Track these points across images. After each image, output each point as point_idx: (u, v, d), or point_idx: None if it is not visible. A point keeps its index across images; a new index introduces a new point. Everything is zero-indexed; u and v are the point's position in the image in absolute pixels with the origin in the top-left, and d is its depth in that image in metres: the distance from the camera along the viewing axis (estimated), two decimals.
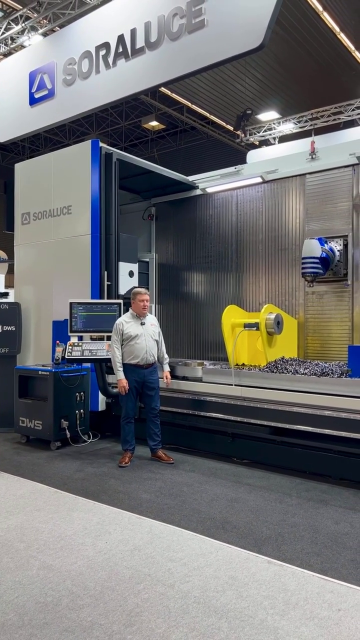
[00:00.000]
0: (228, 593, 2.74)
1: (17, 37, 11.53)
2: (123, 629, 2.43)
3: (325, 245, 5.97)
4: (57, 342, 6.08)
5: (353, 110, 13.73)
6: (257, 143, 16.21)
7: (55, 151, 7.11)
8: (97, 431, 6.23)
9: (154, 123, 16.61)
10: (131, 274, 6.67)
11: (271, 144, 15.48)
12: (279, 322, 5.68)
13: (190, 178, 7.52)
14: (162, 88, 13.40)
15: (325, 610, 2.58)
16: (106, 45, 6.57)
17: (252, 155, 12.44)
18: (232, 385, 5.23)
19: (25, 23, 11.15)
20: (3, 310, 6.90)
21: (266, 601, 2.66)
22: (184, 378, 5.71)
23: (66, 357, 5.67)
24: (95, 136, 17.70)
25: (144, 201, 8.15)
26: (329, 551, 3.25)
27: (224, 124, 16.50)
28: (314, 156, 6.37)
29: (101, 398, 6.15)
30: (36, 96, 7.60)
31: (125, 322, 5.19)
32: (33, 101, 7.66)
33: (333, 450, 4.58)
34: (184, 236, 7.72)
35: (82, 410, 5.87)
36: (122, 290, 6.40)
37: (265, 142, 16.03)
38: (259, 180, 6.75)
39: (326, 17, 10.89)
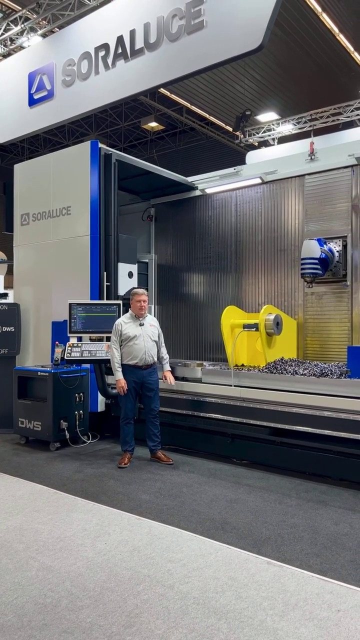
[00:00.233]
0: (227, 594, 2.74)
1: (17, 38, 11.54)
2: (122, 630, 2.43)
3: (325, 246, 5.97)
4: (57, 342, 6.08)
5: (352, 111, 13.74)
6: (256, 144, 16.22)
7: (54, 152, 7.11)
8: (97, 432, 6.23)
9: (153, 124, 16.62)
10: (130, 274, 6.67)
11: (270, 145, 15.49)
12: (278, 323, 5.68)
13: (190, 179, 7.52)
14: (162, 89, 13.40)
15: (324, 611, 2.58)
16: (105, 46, 6.58)
17: (252, 156, 12.46)
18: (231, 386, 5.23)
19: (25, 24, 11.15)
20: (2, 311, 6.89)
21: (266, 602, 2.66)
22: (184, 379, 5.71)
23: (65, 358, 5.67)
24: (95, 137, 17.71)
25: (143, 202, 8.15)
26: (328, 552, 3.25)
27: (223, 124, 16.51)
28: (313, 157, 6.38)
29: (100, 399, 6.15)
30: (35, 97, 7.61)
31: (124, 322, 5.19)
32: (32, 102, 7.67)
33: (332, 451, 4.58)
34: (183, 237, 7.72)
35: (81, 411, 5.87)
36: (122, 291, 6.40)
37: (264, 143, 16.05)
38: (258, 181, 6.75)
39: (325, 18, 10.91)
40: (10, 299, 7.84)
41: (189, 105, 15.42)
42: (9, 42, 11.70)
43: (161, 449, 5.28)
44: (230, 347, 5.58)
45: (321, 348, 6.30)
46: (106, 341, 5.69)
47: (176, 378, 5.72)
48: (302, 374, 4.94)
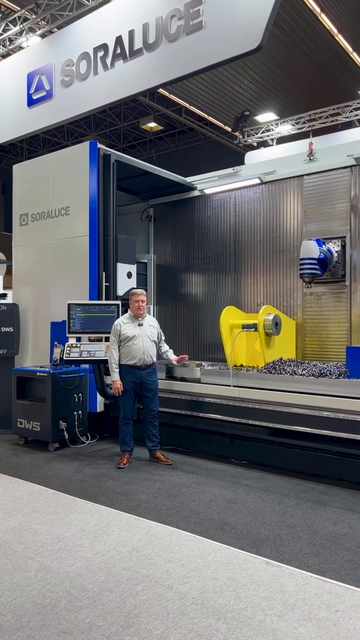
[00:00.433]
0: (226, 594, 2.74)
1: (15, 39, 11.53)
2: (121, 631, 2.43)
3: (323, 246, 5.98)
4: (55, 343, 6.07)
5: (351, 111, 13.75)
6: (255, 144, 16.22)
7: (53, 152, 7.10)
8: (96, 432, 6.23)
9: (152, 124, 16.61)
10: (129, 275, 6.67)
11: (269, 145, 15.49)
12: (277, 323, 5.69)
13: (189, 179, 7.52)
14: (161, 89, 13.41)
15: (323, 611, 2.58)
16: (104, 47, 6.58)
17: (250, 157, 12.46)
18: (230, 386, 5.23)
19: (24, 24, 11.14)
20: (1, 311, 6.89)
21: (264, 602, 2.66)
22: (182, 379, 5.71)
23: (64, 358, 5.67)
24: (94, 137, 17.70)
25: (142, 202, 8.15)
26: (327, 552, 3.25)
27: (222, 125, 16.52)
28: (311, 157, 6.39)
29: (99, 399, 6.15)
30: (34, 97, 7.60)
31: (123, 323, 5.19)
32: (31, 102, 7.66)
33: (331, 451, 4.58)
34: (182, 237, 7.72)
35: (80, 412, 5.87)
36: (121, 292, 6.40)
37: (263, 144, 16.05)
38: (257, 181, 6.76)
39: (324, 18, 10.91)
40: (9, 299, 7.84)
41: (187, 105, 15.42)
42: (8, 43, 11.70)
43: (160, 449, 5.28)
44: (229, 348, 5.58)
45: (320, 348, 6.31)
46: (105, 341, 5.69)
47: (175, 378, 5.73)
48: (301, 374, 4.94)
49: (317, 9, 10.62)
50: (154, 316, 7.32)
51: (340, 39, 11.67)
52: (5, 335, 6.85)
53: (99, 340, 5.82)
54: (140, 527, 3.62)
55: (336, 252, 6.05)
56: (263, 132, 15.53)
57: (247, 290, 7.01)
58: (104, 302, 6.02)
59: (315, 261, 5.80)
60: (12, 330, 6.88)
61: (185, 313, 7.70)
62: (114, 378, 5.10)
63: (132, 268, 6.77)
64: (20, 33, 11.38)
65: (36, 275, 6.97)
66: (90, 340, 5.86)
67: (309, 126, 14.39)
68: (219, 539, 3.43)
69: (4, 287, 10.28)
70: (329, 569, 3.02)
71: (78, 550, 3.28)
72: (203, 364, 6.19)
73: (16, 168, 7.40)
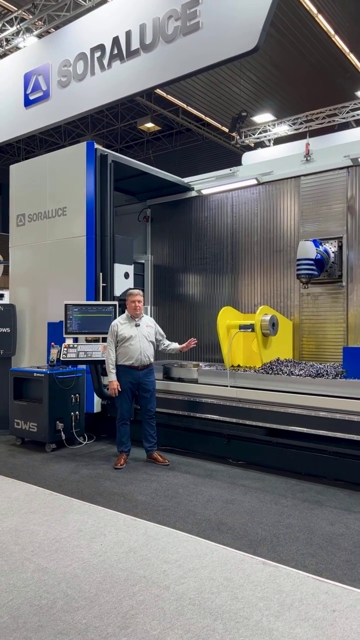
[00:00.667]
0: (223, 594, 2.74)
1: (12, 39, 11.52)
2: (118, 632, 2.43)
3: (320, 247, 5.99)
4: (52, 343, 6.07)
5: (348, 112, 13.79)
6: (252, 145, 16.25)
7: (50, 153, 7.10)
8: (93, 433, 6.22)
9: (150, 125, 16.63)
10: (127, 275, 6.67)
11: (266, 146, 15.51)
12: (274, 324, 5.69)
13: (186, 180, 7.53)
14: (158, 90, 13.41)
15: (320, 611, 2.58)
16: (101, 47, 6.57)
17: (248, 157, 12.46)
18: (227, 386, 5.23)
19: (20, 25, 11.14)
20: None
21: (261, 602, 2.66)
22: (180, 379, 5.72)
23: (61, 359, 5.66)
24: (91, 138, 17.69)
25: (139, 203, 8.15)
26: (324, 552, 3.25)
27: (219, 125, 16.54)
28: (308, 158, 6.40)
29: (96, 400, 6.14)
30: (31, 97, 7.59)
31: (120, 323, 5.19)
32: (28, 102, 7.65)
33: (328, 452, 4.59)
34: (180, 238, 7.72)
35: (77, 412, 5.86)
36: (118, 292, 6.40)
37: (260, 144, 16.07)
38: (254, 182, 6.77)
39: (321, 19, 10.94)
40: (6, 300, 7.82)
41: (185, 106, 15.43)
42: (5, 43, 11.69)
43: (157, 450, 5.28)
44: (226, 348, 5.59)
45: (317, 349, 6.32)
46: (102, 342, 5.69)
47: (172, 379, 5.73)
48: (297, 375, 4.95)
49: (314, 10, 10.65)
50: (151, 317, 7.32)
51: (337, 40, 11.70)
52: (2, 335, 6.83)
53: (96, 340, 5.81)
54: (137, 528, 3.62)
55: (333, 252, 6.07)
56: (260, 133, 15.56)
57: (244, 290, 7.02)
58: (101, 302, 6.02)
59: (312, 262, 5.82)
60: (9, 330, 6.87)
61: (182, 313, 7.70)
62: (111, 379, 5.10)
63: (130, 268, 6.77)
64: (17, 33, 11.37)
65: (33, 275, 6.96)
66: (87, 340, 5.86)
67: (306, 127, 14.41)
68: (216, 539, 3.43)
69: (1, 288, 10.27)
70: (326, 569, 3.03)
71: (75, 551, 3.27)
72: (200, 364, 6.20)
73: (13, 168, 7.39)
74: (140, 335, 5.16)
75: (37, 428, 5.73)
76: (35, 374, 5.81)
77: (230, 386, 5.21)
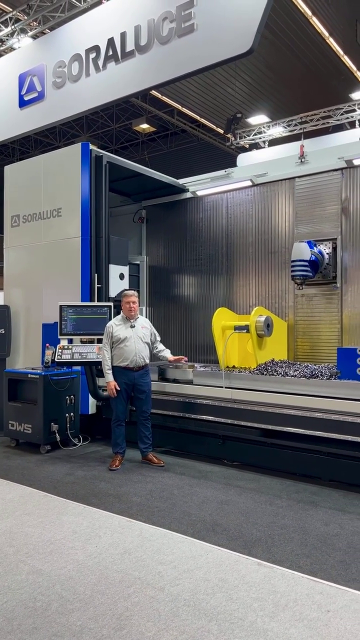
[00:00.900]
0: (218, 595, 2.74)
1: (7, 39, 11.49)
2: (113, 633, 2.43)
3: (315, 248, 6.01)
4: (47, 345, 6.05)
5: (342, 114, 13.84)
6: (247, 146, 16.28)
7: (45, 153, 7.09)
8: (88, 434, 6.21)
9: (145, 126, 16.61)
10: (122, 276, 6.67)
11: (261, 148, 15.55)
12: (268, 325, 5.71)
13: (181, 181, 7.53)
14: (153, 91, 13.40)
15: (314, 611, 2.59)
16: (96, 48, 6.57)
17: (242, 159, 12.48)
18: (222, 387, 5.24)
19: (15, 25, 11.11)
20: None
21: (256, 603, 2.66)
22: (175, 380, 5.72)
23: (56, 360, 5.65)
24: (86, 138, 17.67)
25: (134, 204, 8.15)
26: (318, 552, 3.26)
27: (214, 127, 16.55)
28: (303, 160, 6.42)
29: (91, 401, 6.13)
30: (26, 98, 7.58)
31: (115, 325, 5.19)
32: (23, 103, 7.64)
33: (323, 452, 4.60)
34: (175, 239, 7.73)
35: (72, 414, 5.85)
36: (113, 293, 6.39)
37: (255, 146, 16.10)
38: (249, 183, 6.78)
39: (315, 21, 10.98)
40: (0, 301, 7.79)
41: (180, 107, 15.44)
42: None
43: (152, 451, 5.28)
44: (221, 349, 5.59)
45: (311, 349, 6.34)
46: (97, 343, 5.68)
47: (167, 380, 5.73)
48: (292, 376, 4.96)
49: (308, 12, 10.68)
50: (146, 317, 7.31)
51: (332, 42, 11.74)
52: None
53: (91, 342, 5.80)
54: (132, 529, 3.61)
55: (327, 254, 6.09)
56: (255, 134, 15.59)
57: (239, 291, 7.03)
58: (96, 303, 6.01)
59: (306, 263, 5.83)
60: (4, 332, 6.85)
61: (177, 314, 7.70)
62: (108, 379, 5.10)
63: (125, 269, 6.76)
64: (12, 34, 11.34)
65: (28, 276, 6.95)
66: (82, 342, 5.84)
67: (301, 129, 14.46)
68: (210, 540, 3.43)
69: None
70: (320, 570, 3.04)
71: (70, 552, 3.27)
72: (195, 365, 6.20)
73: (8, 169, 7.37)
74: (135, 336, 5.15)
75: (32, 429, 5.71)
76: (29, 375, 5.79)
77: (225, 387, 5.22)
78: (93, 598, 2.73)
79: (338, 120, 13.93)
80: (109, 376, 5.10)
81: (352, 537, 3.49)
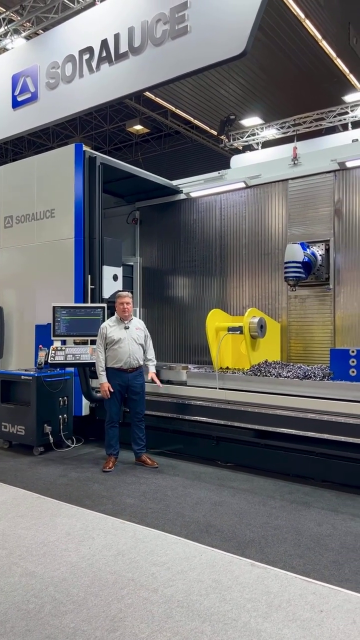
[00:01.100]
0: (211, 596, 2.74)
1: (0, 40, 11.46)
2: (106, 635, 2.42)
3: (308, 249, 6.04)
4: (40, 346, 6.04)
5: (335, 116, 13.91)
6: (240, 148, 16.32)
7: (38, 154, 7.07)
8: (81, 436, 6.19)
9: (138, 127, 16.60)
10: (115, 277, 6.66)
11: (254, 149, 15.60)
12: (262, 326, 5.72)
13: (175, 182, 7.54)
14: (146, 92, 13.41)
15: (307, 611, 2.60)
16: (90, 50, 6.57)
17: (236, 160, 12.52)
18: (216, 388, 5.25)
19: (8, 26, 11.08)
20: None
21: (249, 604, 2.67)
22: (169, 382, 5.72)
23: (49, 361, 5.63)
24: (79, 139, 17.63)
25: (128, 205, 8.15)
26: (311, 553, 3.27)
27: (207, 128, 16.58)
28: (296, 162, 6.45)
29: (85, 403, 6.12)
30: (19, 99, 7.56)
31: (109, 326, 5.18)
32: (16, 104, 7.62)
33: (316, 453, 4.61)
34: (168, 240, 7.73)
35: (65, 415, 5.83)
36: (106, 294, 6.38)
37: (248, 147, 16.14)
38: (243, 185, 6.80)
39: (308, 24, 11.03)
40: None
41: (173, 108, 15.45)
42: None
43: (146, 453, 5.27)
44: (214, 350, 5.60)
45: (304, 350, 6.36)
46: (90, 344, 5.67)
47: (161, 381, 5.72)
48: (285, 377, 4.98)
49: (301, 15, 10.73)
50: (140, 319, 7.31)
51: (324, 45, 11.80)
52: None
53: (85, 343, 5.79)
54: (125, 531, 3.61)
55: (320, 255, 6.12)
56: (248, 136, 15.64)
57: (232, 293, 7.05)
58: (89, 304, 6.00)
59: (299, 264, 5.86)
60: None
61: (171, 316, 7.71)
62: (102, 381, 5.09)
63: (118, 271, 6.76)
64: (5, 35, 11.31)
65: (21, 277, 6.93)
66: (75, 343, 5.83)
67: (294, 131, 14.52)
68: (204, 541, 3.44)
69: None
70: (313, 570, 3.05)
71: (63, 554, 3.26)
72: (189, 366, 6.21)
73: (1, 170, 7.35)
74: (129, 337, 5.15)
75: (25, 431, 5.69)
76: (22, 377, 5.77)
77: (219, 388, 5.23)
78: (86, 600, 2.73)
79: (331, 122, 14.00)
80: (103, 378, 5.09)
81: (345, 538, 3.50)
